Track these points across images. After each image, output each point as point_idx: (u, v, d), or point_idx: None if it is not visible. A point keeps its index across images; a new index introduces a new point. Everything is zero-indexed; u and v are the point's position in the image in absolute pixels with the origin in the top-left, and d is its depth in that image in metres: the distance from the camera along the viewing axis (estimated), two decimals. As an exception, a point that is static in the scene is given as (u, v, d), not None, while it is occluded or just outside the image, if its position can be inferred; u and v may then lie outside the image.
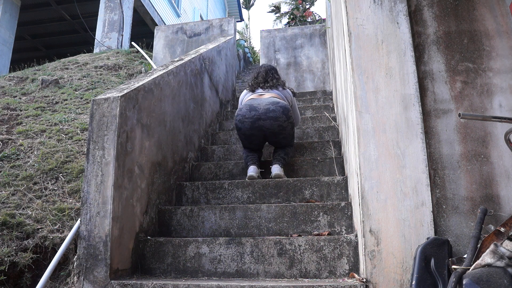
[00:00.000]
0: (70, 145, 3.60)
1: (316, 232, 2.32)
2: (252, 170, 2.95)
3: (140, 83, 2.43)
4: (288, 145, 3.14)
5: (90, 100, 4.71)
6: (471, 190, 1.76)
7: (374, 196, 1.76)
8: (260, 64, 3.65)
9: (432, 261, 1.52)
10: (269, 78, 3.29)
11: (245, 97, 3.27)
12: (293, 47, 6.78)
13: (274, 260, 2.08)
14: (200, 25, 6.35)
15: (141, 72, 6.10)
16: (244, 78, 8.81)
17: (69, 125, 4.01)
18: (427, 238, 1.64)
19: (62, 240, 2.51)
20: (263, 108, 2.99)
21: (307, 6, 9.91)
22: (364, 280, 1.71)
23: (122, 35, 8.42)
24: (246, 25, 14.38)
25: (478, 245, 1.43)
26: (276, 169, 2.93)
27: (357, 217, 1.98)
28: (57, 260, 2.11)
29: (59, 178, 3.14)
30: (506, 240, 1.35)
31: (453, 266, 1.45)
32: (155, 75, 2.67)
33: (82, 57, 7.00)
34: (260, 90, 3.22)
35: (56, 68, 6.30)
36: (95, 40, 8.42)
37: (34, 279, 2.43)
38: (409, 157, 1.79)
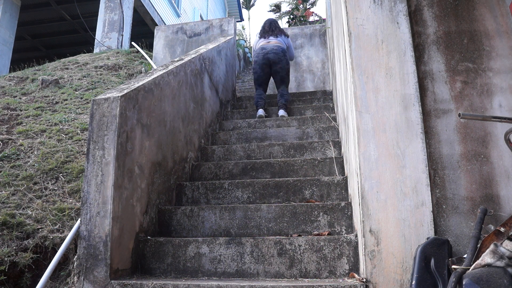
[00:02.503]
0: (70, 145, 3.60)
1: (316, 232, 2.32)
2: (260, 112, 4.55)
3: (140, 83, 2.43)
4: (284, 81, 4.77)
5: (90, 100, 4.71)
6: (471, 190, 1.76)
7: (374, 196, 1.77)
8: None
9: (432, 261, 1.52)
10: (272, 28, 5.00)
11: (258, 42, 5.03)
12: (293, 47, 6.77)
13: (274, 260, 2.08)
14: (200, 25, 6.35)
15: (141, 72, 6.10)
16: (244, 78, 8.80)
17: (69, 125, 4.01)
18: (427, 238, 1.64)
19: (62, 240, 2.51)
20: (270, 48, 4.80)
21: (308, 7, 9.92)
22: (364, 280, 1.71)
23: (122, 35, 8.42)
24: (243, 27, 14.39)
25: (478, 245, 1.43)
26: (281, 112, 4.52)
27: (357, 217, 1.98)
28: (57, 260, 2.11)
29: (59, 178, 3.15)
30: (506, 240, 1.35)
31: (453, 266, 1.45)
32: (155, 75, 2.67)
33: (82, 57, 7.00)
34: (267, 38, 4.93)
35: (56, 68, 6.30)
36: (95, 40, 8.41)
37: (34, 279, 2.43)
38: (409, 157, 1.79)
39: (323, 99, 5.12)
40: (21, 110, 4.38)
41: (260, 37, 5.04)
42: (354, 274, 1.90)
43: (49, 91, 5.10)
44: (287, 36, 5.07)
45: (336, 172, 3.00)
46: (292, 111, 4.60)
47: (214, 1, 17.56)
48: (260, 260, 2.10)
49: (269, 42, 4.86)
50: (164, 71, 2.83)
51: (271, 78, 4.96)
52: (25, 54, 11.69)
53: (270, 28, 5.00)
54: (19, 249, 2.48)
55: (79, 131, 3.86)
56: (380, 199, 1.76)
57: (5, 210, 2.72)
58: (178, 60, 3.35)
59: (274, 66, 4.77)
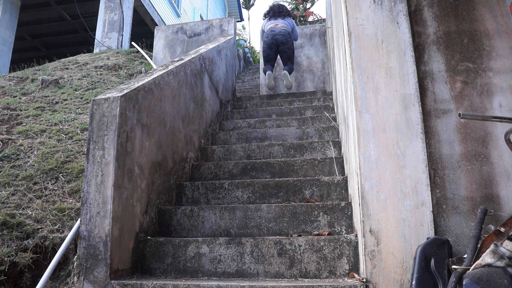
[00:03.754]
0: (70, 145, 3.60)
1: (316, 232, 2.32)
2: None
3: (140, 83, 2.43)
4: (290, 58, 5.64)
5: (90, 100, 4.71)
6: (471, 190, 1.76)
7: (374, 196, 1.76)
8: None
9: (432, 261, 1.52)
10: (280, 10, 5.79)
11: (267, 24, 5.80)
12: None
13: (274, 260, 2.08)
14: (200, 25, 6.35)
15: (141, 72, 6.10)
16: (244, 78, 8.80)
17: (69, 125, 4.01)
18: (427, 238, 1.64)
19: (62, 240, 2.51)
20: (278, 31, 5.61)
21: (308, 6, 9.90)
22: (364, 280, 1.71)
23: (122, 35, 8.42)
24: (243, 26, 14.37)
25: (478, 245, 1.43)
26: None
27: (357, 217, 1.98)
28: (57, 260, 2.11)
29: (59, 178, 3.15)
30: (506, 240, 1.35)
31: (453, 266, 1.45)
32: (155, 75, 2.67)
33: (82, 57, 7.00)
34: (275, 20, 5.72)
35: (56, 68, 6.30)
36: (95, 40, 8.41)
37: (34, 279, 2.43)
38: (409, 157, 1.79)
39: (323, 99, 5.12)
40: (21, 110, 4.38)
41: (269, 19, 5.80)
42: (354, 274, 1.90)
43: (49, 91, 5.10)
44: (293, 18, 5.92)
45: (336, 172, 3.00)
46: (292, 111, 4.60)
47: (214, 1, 17.55)
48: (260, 260, 2.10)
49: (277, 24, 5.70)
50: (164, 71, 2.83)
51: (278, 57, 5.79)
52: (25, 54, 11.67)
53: (278, 10, 5.79)
54: (19, 249, 2.48)
55: (79, 131, 3.86)
56: (380, 199, 1.76)
57: (5, 210, 2.72)
58: (178, 60, 3.35)
59: (282, 46, 5.60)
